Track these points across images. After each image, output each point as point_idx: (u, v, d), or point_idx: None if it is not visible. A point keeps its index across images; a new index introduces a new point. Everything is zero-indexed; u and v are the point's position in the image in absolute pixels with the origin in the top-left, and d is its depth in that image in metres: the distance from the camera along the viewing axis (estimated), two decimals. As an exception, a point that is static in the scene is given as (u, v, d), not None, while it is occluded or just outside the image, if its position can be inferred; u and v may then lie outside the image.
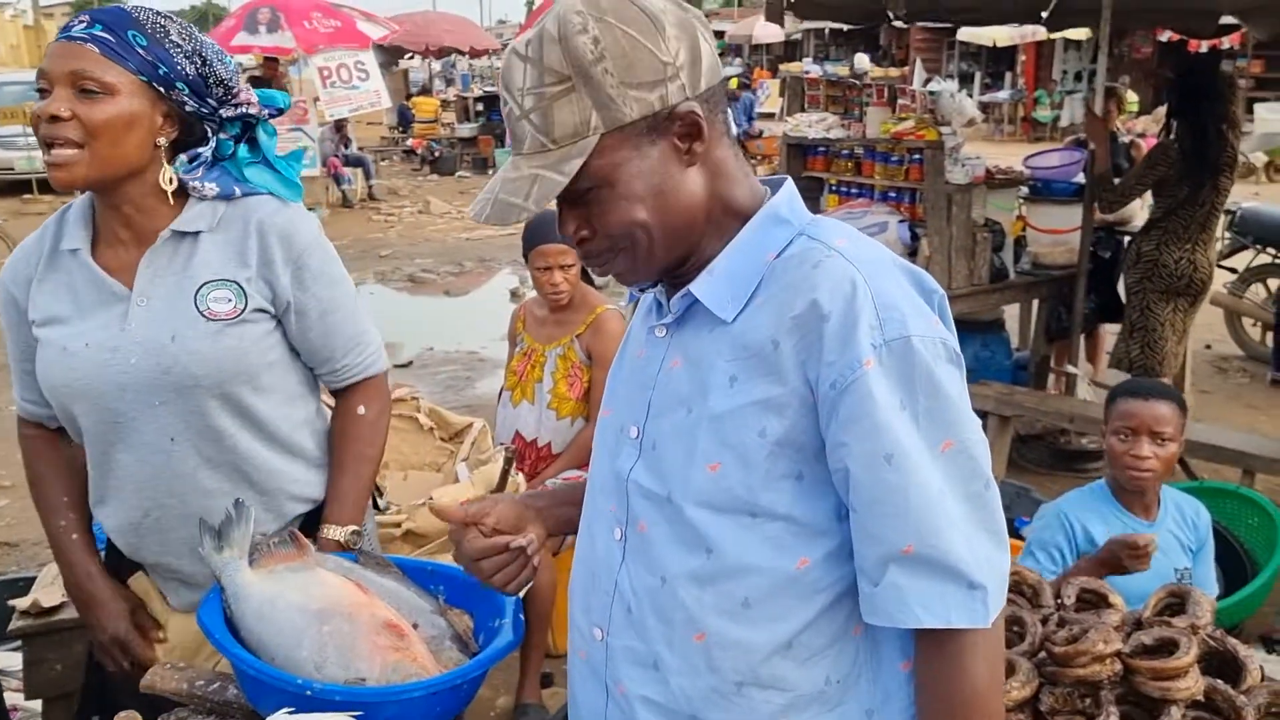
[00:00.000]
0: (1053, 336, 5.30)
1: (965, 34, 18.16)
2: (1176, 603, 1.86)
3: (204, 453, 1.66)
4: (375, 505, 2.03)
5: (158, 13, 1.62)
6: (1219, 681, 1.65)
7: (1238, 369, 6.61)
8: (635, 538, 1.17)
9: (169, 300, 1.62)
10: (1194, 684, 1.61)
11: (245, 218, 1.66)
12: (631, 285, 1.21)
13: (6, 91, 13.07)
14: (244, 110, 1.69)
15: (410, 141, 18.18)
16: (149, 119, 1.58)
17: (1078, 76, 20.60)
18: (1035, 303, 5.37)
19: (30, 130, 1.59)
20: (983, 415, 4.30)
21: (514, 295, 8.72)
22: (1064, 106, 19.54)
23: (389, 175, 16.00)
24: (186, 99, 1.61)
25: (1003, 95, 22.10)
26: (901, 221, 4.78)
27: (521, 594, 1.38)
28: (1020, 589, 1.91)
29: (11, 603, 2.42)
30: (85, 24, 1.55)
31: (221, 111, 1.67)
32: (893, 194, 4.98)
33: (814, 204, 5.29)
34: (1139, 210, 5.30)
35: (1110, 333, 5.38)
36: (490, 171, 15.60)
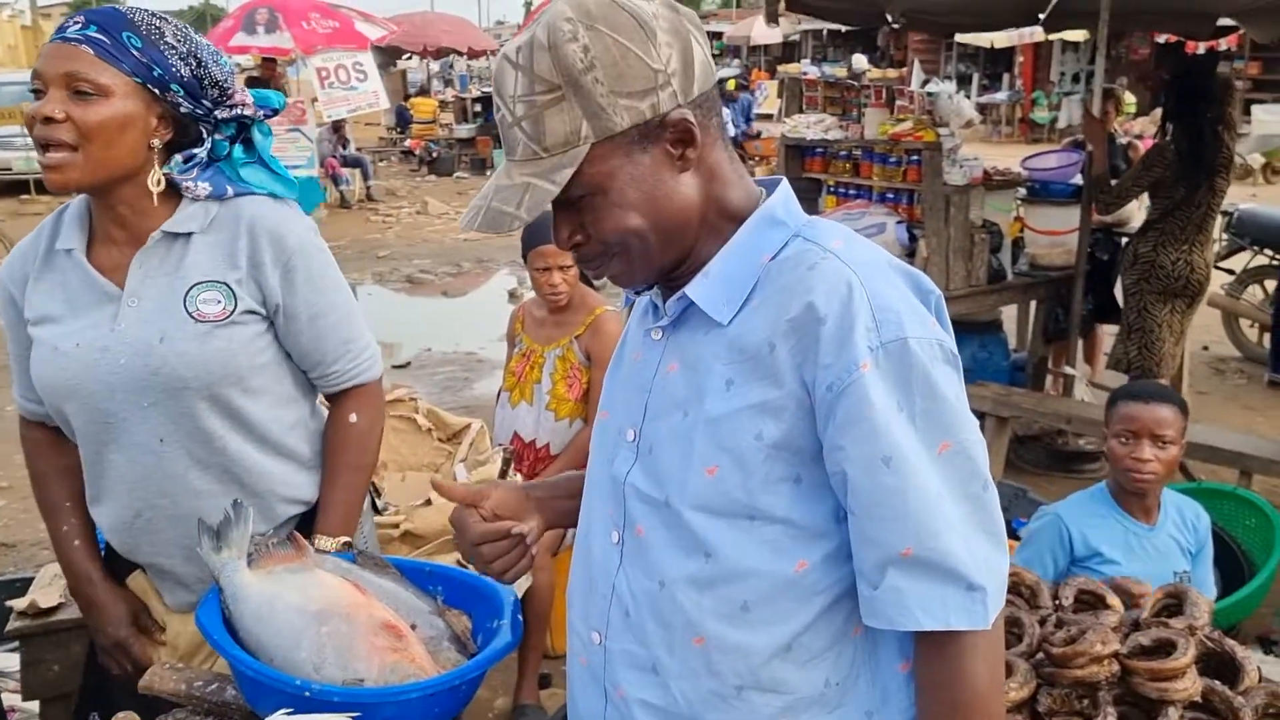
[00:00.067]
0: (1050, 337, 5.31)
1: (963, 35, 18.17)
2: (1174, 604, 1.86)
3: (194, 454, 1.65)
4: (374, 506, 2.02)
5: (153, 14, 1.62)
6: (1216, 682, 1.66)
7: (1235, 370, 6.61)
8: (633, 541, 1.16)
9: (159, 301, 1.62)
10: (1192, 685, 1.61)
11: (237, 218, 1.65)
12: (627, 288, 1.21)
13: (4, 92, 13.05)
14: (239, 111, 1.68)
15: (408, 142, 18.17)
16: (143, 120, 1.58)
17: (1075, 78, 20.63)
18: (1033, 304, 5.38)
19: (28, 131, 1.59)
20: (980, 416, 4.31)
21: (512, 296, 8.72)
22: (1062, 108, 19.56)
23: (387, 176, 16.00)
24: (181, 100, 1.61)
25: (1000, 96, 22.12)
26: (899, 223, 4.79)
27: (520, 594, 1.38)
28: (1018, 590, 1.91)
29: (9, 603, 2.41)
30: (80, 25, 1.55)
31: (216, 113, 1.66)
32: (891, 195, 4.99)
33: (812, 205, 5.29)
34: (1136, 212, 5.31)
35: (1108, 334, 5.39)
36: (488, 172, 15.59)
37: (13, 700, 2.70)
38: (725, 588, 1.10)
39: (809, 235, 1.12)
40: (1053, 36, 17.32)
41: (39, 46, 1.68)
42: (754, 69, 26.03)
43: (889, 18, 5.44)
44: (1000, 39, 19.21)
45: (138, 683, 1.54)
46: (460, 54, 19.97)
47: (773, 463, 1.07)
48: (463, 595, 1.60)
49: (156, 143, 1.61)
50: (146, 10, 1.61)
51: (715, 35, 31.12)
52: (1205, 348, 6.92)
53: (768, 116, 18.88)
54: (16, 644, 2.40)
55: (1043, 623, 1.79)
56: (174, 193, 1.65)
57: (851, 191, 5.19)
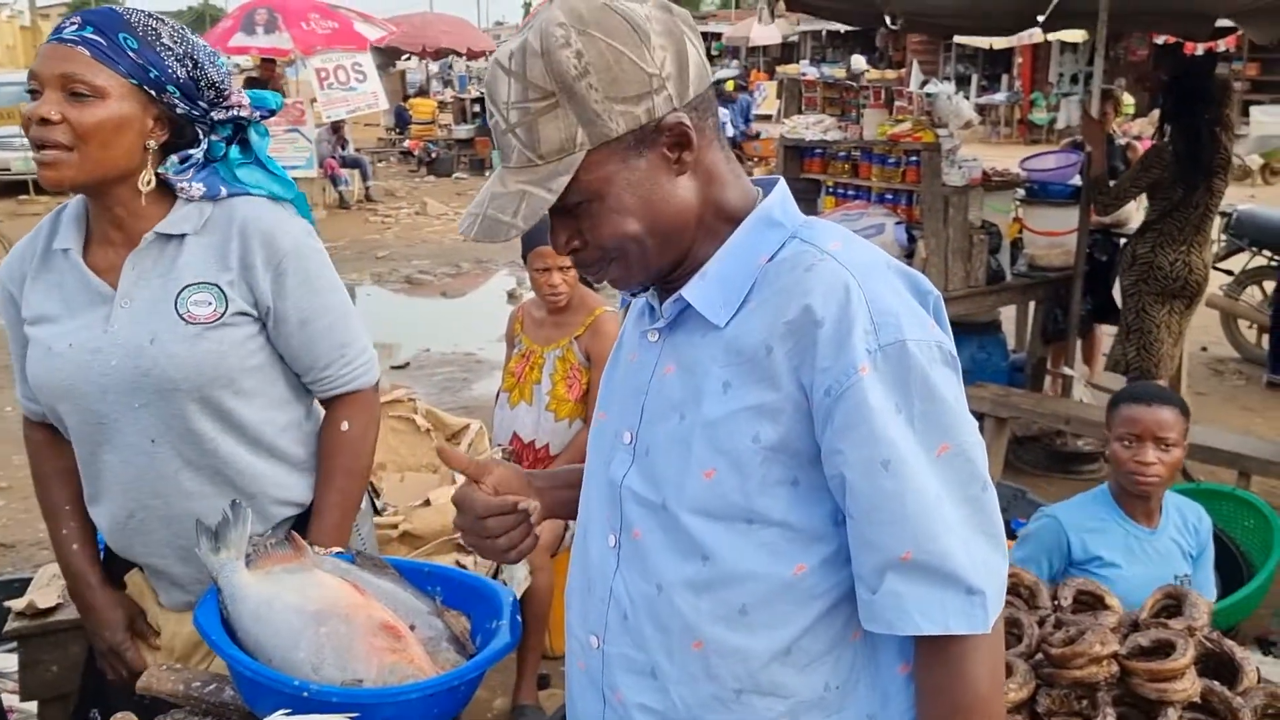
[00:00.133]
0: (1049, 338, 5.31)
1: (962, 36, 18.18)
2: (1173, 605, 1.87)
3: (184, 456, 1.65)
4: (373, 507, 2.02)
5: (149, 14, 1.61)
6: (1215, 683, 1.66)
7: (1233, 371, 6.62)
8: (630, 544, 1.16)
9: (151, 303, 1.61)
10: (1191, 686, 1.61)
11: (229, 219, 1.64)
12: (624, 291, 1.20)
13: (3, 92, 13.04)
14: (235, 113, 1.68)
15: (407, 143, 18.16)
16: (139, 122, 1.58)
17: (1074, 79, 20.64)
18: (1032, 305, 5.38)
19: (24, 131, 1.59)
20: (979, 417, 4.31)
21: (511, 297, 8.72)
22: (1060, 109, 19.56)
23: (386, 176, 15.99)
24: (177, 102, 1.60)
25: (999, 97, 22.14)
26: (898, 223, 4.79)
27: (519, 595, 1.38)
28: (1017, 590, 1.92)
29: (7, 604, 2.41)
30: (76, 26, 1.54)
31: (213, 114, 1.66)
32: (889, 196, 4.99)
33: (811, 206, 5.30)
34: (1135, 212, 5.32)
35: (1107, 334, 5.39)
36: (487, 173, 15.59)
37: (11, 701, 2.69)
38: (723, 591, 1.09)
39: (806, 236, 1.12)
40: (1051, 37, 17.33)
41: (38, 47, 1.68)
42: (753, 70, 26.04)
43: (887, 19, 5.44)
44: (999, 40, 19.20)
45: (133, 686, 1.54)
46: (459, 55, 19.98)
47: (770, 465, 1.06)
48: (462, 596, 1.60)
49: (152, 144, 1.61)
50: (143, 11, 1.61)
51: (714, 36, 31.14)
52: (1204, 348, 6.93)
53: (766, 117, 18.89)
54: (15, 644, 2.40)
55: (1042, 623, 1.79)
56: (169, 193, 1.65)
57: (850, 192, 5.19)
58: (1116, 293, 5.09)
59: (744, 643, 1.10)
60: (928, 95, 6.21)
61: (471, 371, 6.84)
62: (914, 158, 4.82)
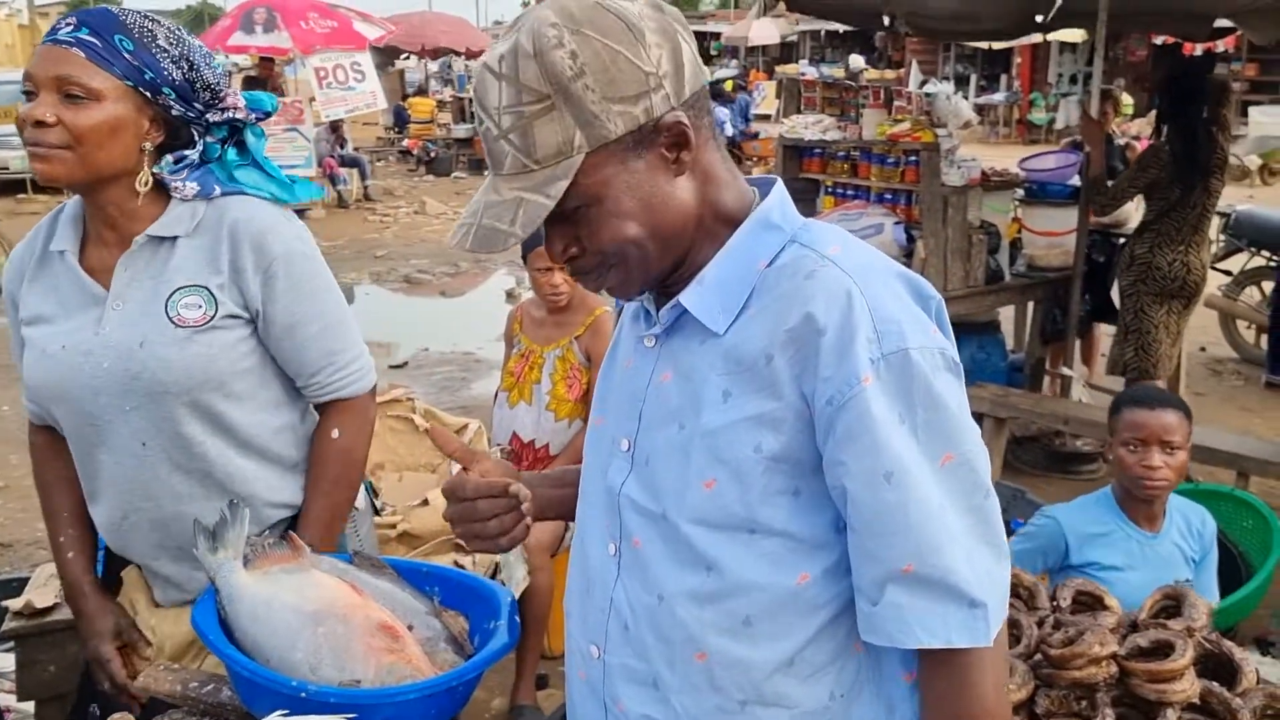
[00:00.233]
0: (1048, 339, 5.31)
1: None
2: (1172, 605, 1.86)
3: (174, 459, 1.64)
4: (373, 507, 2.02)
5: (145, 15, 1.60)
6: (1215, 684, 1.66)
7: (1232, 371, 6.62)
8: (630, 553, 1.14)
9: (142, 305, 1.61)
10: (1190, 686, 1.61)
11: (220, 221, 1.63)
12: (624, 299, 1.18)
13: (2, 91, 13.05)
14: (230, 115, 1.67)
15: (406, 142, 18.16)
16: (135, 124, 1.57)
17: (1073, 79, 20.66)
18: (1030, 305, 5.38)
19: (19, 132, 1.58)
20: (978, 417, 4.30)
21: (510, 296, 8.72)
22: (1059, 109, 19.57)
23: (385, 176, 15.99)
24: (173, 103, 1.60)
25: (998, 97, 22.15)
26: (897, 223, 4.79)
27: (517, 595, 1.38)
28: (1016, 591, 1.91)
29: (4, 604, 2.41)
30: (72, 27, 1.54)
31: (208, 115, 1.65)
32: (889, 196, 4.99)
33: (810, 206, 5.30)
34: (1134, 213, 5.32)
35: (1106, 334, 5.39)
36: (485, 172, 15.58)
37: (8, 700, 2.69)
38: (727, 602, 1.08)
39: (805, 241, 1.10)
40: (1050, 37, 17.32)
41: (36, 46, 1.67)
42: (752, 69, 26.05)
43: (886, 20, 5.44)
44: (998, 40, 19.24)
45: (119, 695, 1.54)
46: (458, 54, 19.97)
47: (771, 475, 1.05)
48: (460, 596, 1.59)
49: (148, 145, 1.60)
50: (139, 12, 1.60)
51: (713, 36, 31.16)
52: (1202, 349, 6.93)
53: (766, 117, 18.90)
54: (12, 644, 2.40)
55: (1041, 624, 1.79)
56: (164, 194, 1.64)
57: (849, 192, 5.19)
58: (1115, 293, 5.09)
59: (747, 654, 1.08)
60: (927, 95, 6.22)
61: (470, 371, 6.83)
62: (913, 158, 4.81)
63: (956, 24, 6.01)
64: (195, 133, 1.66)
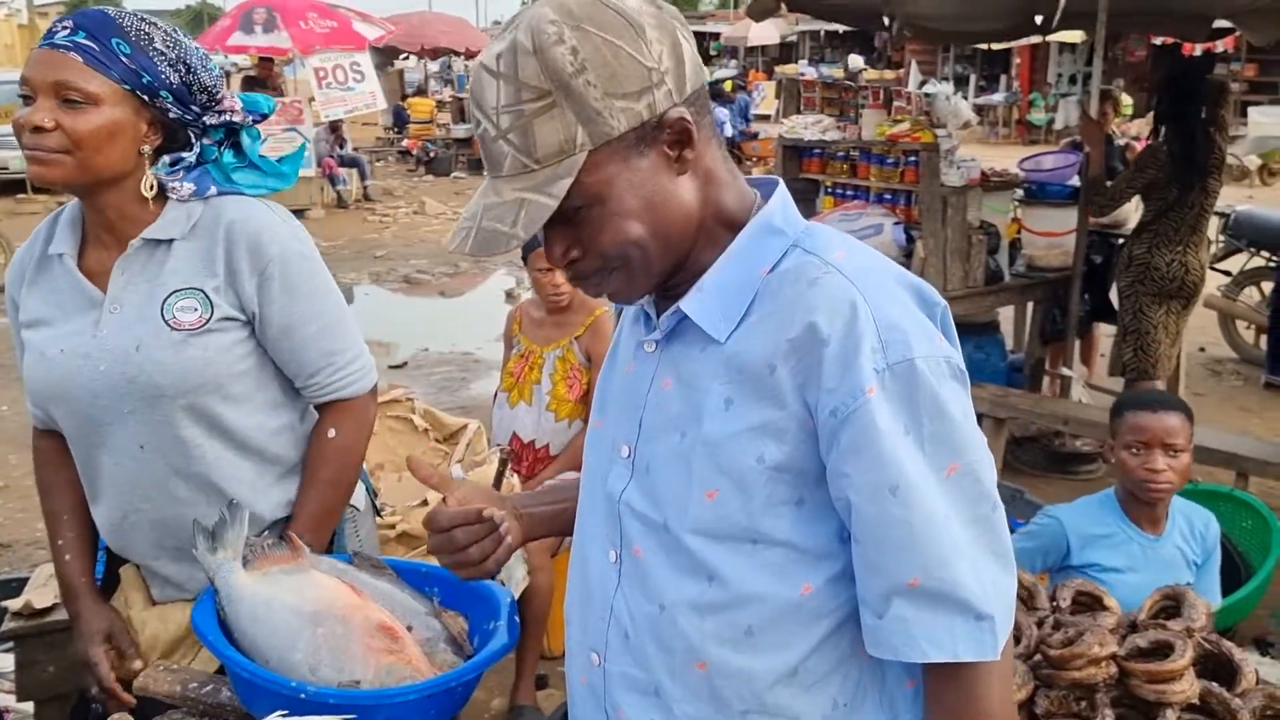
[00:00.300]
0: (1047, 339, 5.31)
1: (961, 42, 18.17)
2: (1171, 606, 1.86)
3: (173, 461, 1.64)
4: (373, 507, 2.01)
5: (142, 18, 1.60)
6: (1214, 684, 1.66)
7: (1231, 372, 6.62)
8: (630, 561, 1.13)
9: (138, 308, 1.61)
10: (1189, 687, 1.61)
11: (216, 222, 1.63)
12: (623, 303, 1.16)
13: (1, 91, 13.04)
14: (227, 117, 1.67)
15: (405, 142, 18.15)
16: (133, 127, 1.57)
17: (1072, 79, 20.67)
18: (1030, 305, 5.38)
19: (17, 138, 1.58)
20: (978, 417, 4.29)
21: (509, 296, 8.72)
22: (1059, 109, 19.58)
23: (384, 176, 15.99)
24: (170, 106, 1.60)
25: (998, 98, 22.15)
26: (897, 224, 4.79)
27: (517, 595, 1.38)
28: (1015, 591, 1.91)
29: (4, 604, 2.41)
30: (68, 30, 1.53)
31: (205, 118, 1.65)
32: (888, 196, 4.99)
33: (809, 206, 5.30)
34: (1133, 214, 5.32)
35: (1105, 335, 5.39)
36: (485, 172, 15.58)
37: (7, 701, 2.69)
38: (729, 613, 1.06)
39: (808, 246, 1.08)
40: (1050, 38, 17.34)
41: (31, 49, 1.66)
42: (751, 69, 26.07)
43: (885, 21, 5.44)
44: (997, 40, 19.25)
45: (107, 699, 1.54)
46: (458, 54, 19.95)
47: (774, 485, 1.03)
48: (459, 596, 1.59)
49: (146, 148, 1.60)
50: (136, 14, 1.60)
51: (712, 36, 31.17)
52: (1202, 349, 6.93)
53: (765, 117, 18.92)
54: (11, 645, 2.40)
55: (1040, 624, 1.79)
56: (161, 195, 1.64)
57: (849, 192, 5.19)
58: (1114, 294, 5.10)
59: (749, 664, 1.07)
60: (926, 95, 6.23)
61: (470, 371, 6.83)
62: (912, 158, 4.81)
63: (956, 25, 6.01)
64: (192, 135, 1.66)
